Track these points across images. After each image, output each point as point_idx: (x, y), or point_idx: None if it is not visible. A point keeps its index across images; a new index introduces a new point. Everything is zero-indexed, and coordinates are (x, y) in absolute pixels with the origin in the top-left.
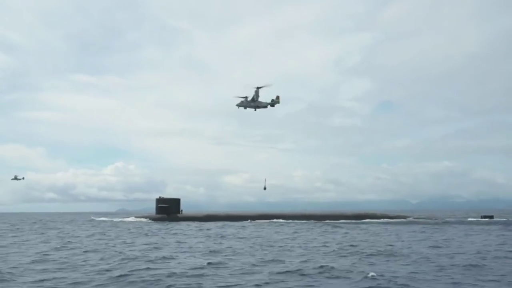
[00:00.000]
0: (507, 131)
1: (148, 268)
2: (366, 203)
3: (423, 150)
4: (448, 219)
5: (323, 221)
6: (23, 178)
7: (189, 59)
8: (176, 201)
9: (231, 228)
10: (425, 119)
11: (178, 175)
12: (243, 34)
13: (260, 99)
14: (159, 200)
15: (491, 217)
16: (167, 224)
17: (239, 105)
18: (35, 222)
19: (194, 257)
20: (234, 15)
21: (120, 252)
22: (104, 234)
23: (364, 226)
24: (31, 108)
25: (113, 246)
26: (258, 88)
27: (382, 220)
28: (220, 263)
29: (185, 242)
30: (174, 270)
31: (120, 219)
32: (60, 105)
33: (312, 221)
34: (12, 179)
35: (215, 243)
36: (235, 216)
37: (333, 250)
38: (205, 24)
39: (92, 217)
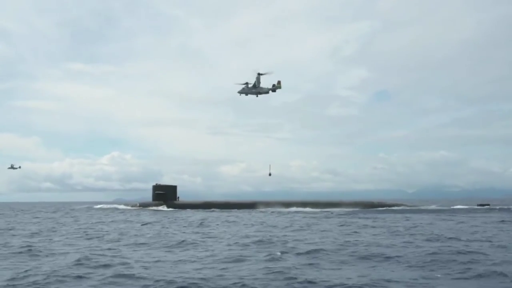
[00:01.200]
0: (503, 120)
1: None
2: (363, 192)
3: (420, 140)
4: (455, 207)
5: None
6: (19, 167)
7: (185, 48)
8: (173, 188)
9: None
10: (421, 108)
11: (174, 165)
12: (239, 22)
13: (261, 85)
14: (156, 187)
15: (488, 205)
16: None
17: (240, 92)
18: (68, 212)
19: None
20: (230, 3)
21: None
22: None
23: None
24: (25, 96)
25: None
26: (259, 74)
27: (396, 208)
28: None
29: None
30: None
31: (130, 207)
32: (54, 94)
33: (329, 209)
34: (9, 168)
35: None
36: (234, 203)
37: None
38: (201, 12)
39: (101, 206)
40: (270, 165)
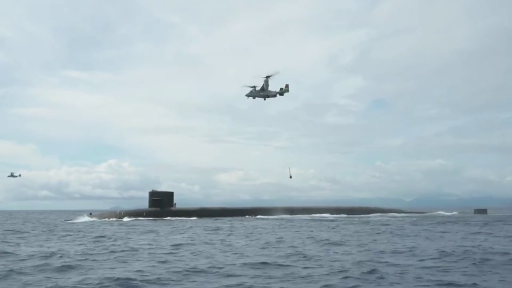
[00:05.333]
0: (498, 129)
1: None
2: (361, 200)
3: (416, 148)
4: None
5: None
6: (19, 175)
7: (182, 55)
8: (169, 195)
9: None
10: (417, 116)
11: (172, 173)
12: (236, 30)
13: (269, 88)
14: (152, 193)
15: (485, 211)
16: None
17: (248, 95)
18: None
19: None
20: (227, 10)
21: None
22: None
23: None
24: (21, 104)
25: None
26: (267, 77)
27: (402, 215)
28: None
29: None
30: None
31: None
32: (51, 101)
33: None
34: (9, 176)
35: None
36: (232, 210)
37: None
38: (197, 19)
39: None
40: (289, 168)
